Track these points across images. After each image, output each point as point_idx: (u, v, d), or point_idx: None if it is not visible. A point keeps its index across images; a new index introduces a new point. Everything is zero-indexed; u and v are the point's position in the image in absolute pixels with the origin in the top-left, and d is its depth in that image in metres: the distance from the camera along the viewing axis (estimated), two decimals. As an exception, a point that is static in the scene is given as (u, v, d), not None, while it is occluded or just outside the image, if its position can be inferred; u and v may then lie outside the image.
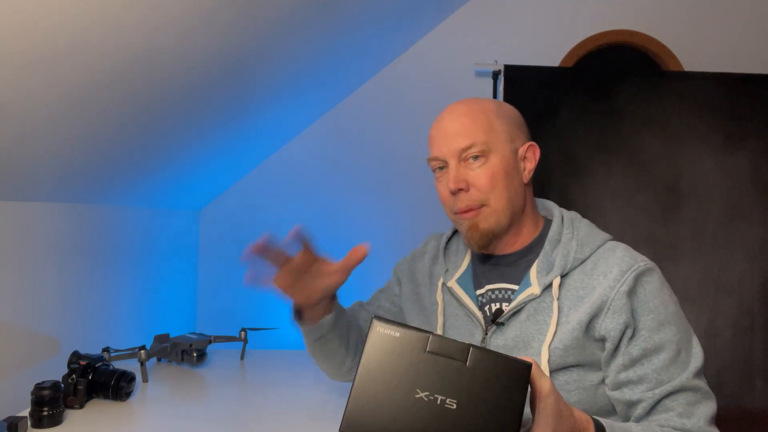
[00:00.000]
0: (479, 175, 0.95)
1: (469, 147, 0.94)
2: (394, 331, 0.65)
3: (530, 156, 1.00)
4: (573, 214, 1.03)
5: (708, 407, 0.90)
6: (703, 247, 2.32)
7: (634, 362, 0.89)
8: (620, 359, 0.89)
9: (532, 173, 1.00)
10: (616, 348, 0.89)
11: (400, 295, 1.17)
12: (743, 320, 2.29)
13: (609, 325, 0.89)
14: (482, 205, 0.96)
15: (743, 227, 2.33)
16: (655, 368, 0.89)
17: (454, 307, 1.04)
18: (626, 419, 0.94)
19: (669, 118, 2.37)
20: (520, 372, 0.62)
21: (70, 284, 1.54)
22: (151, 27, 1.13)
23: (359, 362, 0.66)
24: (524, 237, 1.01)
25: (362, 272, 2.69)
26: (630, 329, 0.89)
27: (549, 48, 2.55)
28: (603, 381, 0.92)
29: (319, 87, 2.27)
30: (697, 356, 0.91)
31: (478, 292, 1.02)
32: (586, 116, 2.38)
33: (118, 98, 1.27)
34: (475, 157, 0.95)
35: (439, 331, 1.03)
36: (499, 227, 0.97)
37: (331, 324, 1.05)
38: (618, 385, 0.91)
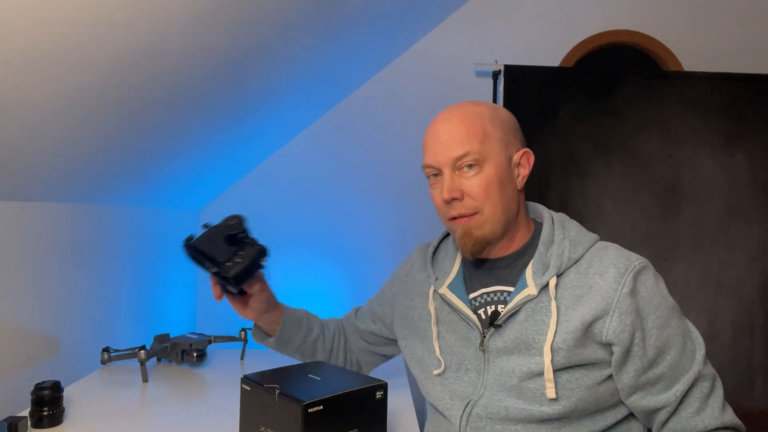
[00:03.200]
0: (473, 184, 0.95)
1: (463, 156, 0.94)
2: (248, 387, 0.96)
3: (524, 162, 1.00)
4: (562, 215, 1.04)
5: (718, 391, 0.94)
6: (703, 247, 2.32)
7: (651, 363, 0.91)
8: (638, 362, 0.90)
9: (525, 179, 1.00)
10: (628, 352, 0.90)
11: (393, 318, 1.20)
12: (743, 320, 2.29)
13: (616, 329, 0.89)
14: (475, 213, 0.96)
15: (743, 227, 2.33)
16: (669, 365, 0.91)
17: (446, 313, 1.05)
18: (648, 422, 0.97)
19: (669, 118, 2.37)
20: (296, 408, 0.85)
21: (70, 284, 1.54)
22: (150, 27, 1.13)
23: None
24: (518, 241, 1.02)
25: (363, 271, 2.68)
26: (639, 331, 0.90)
27: (549, 48, 2.55)
28: (604, 380, 0.93)
29: (319, 87, 2.27)
30: (699, 342, 0.95)
31: (472, 295, 1.03)
32: (586, 116, 2.38)
33: (118, 98, 1.28)
34: (470, 166, 0.95)
35: (434, 342, 1.05)
36: (492, 235, 0.97)
37: (277, 344, 1.23)
38: (635, 389, 0.92)
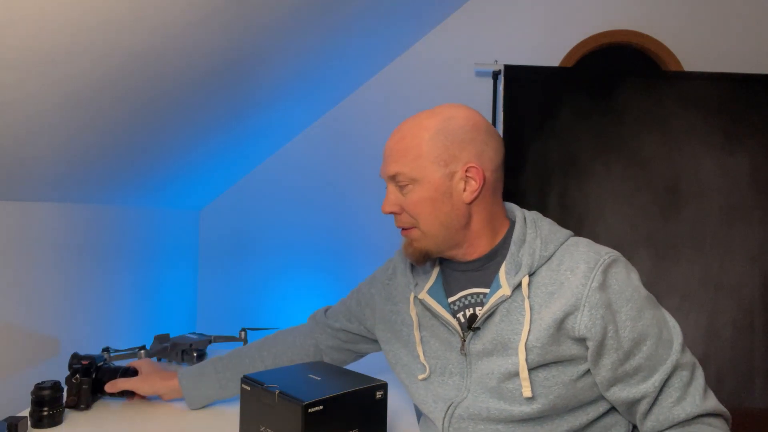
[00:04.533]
0: (407, 201, 0.98)
1: (394, 175, 0.98)
2: (248, 387, 0.96)
3: (474, 175, 0.97)
4: (534, 214, 1.05)
5: (698, 380, 0.94)
6: (703, 247, 2.32)
7: (628, 355, 0.91)
8: (613, 355, 0.91)
9: (477, 192, 0.97)
10: (602, 345, 0.90)
11: (374, 320, 1.18)
12: (743, 320, 2.29)
13: (587, 323, 0.90)
14: (413, 227, 1.00)
15: (743, 227, 2.33)
16: (646, 356, 0.91)
17: (428, 318, 1.05)
18: (630, 415, 0.96)
19: (669, 118, 2.37)
20: (296, 408, 0.86)
21: (70, 284, 1.54)
22: (151, 27, 1.13)
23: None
24: (483, 244, 1.02)
25: (361, 271, 2.69)
26: (611, 324, 0.90)
27: (549, 48, 2.56)
28: (581, 375, 0.93)
29: (319, 87, 2.27)
30: (675, 330, 0.95)
31: (451, 299, 1.03)
32: (586, 116, 2.38)
33: (118, 98, 1.28)
34: (402, 185, 0.98)
35: (418, 347, 1.05)
36: (434, 247, 1.00)
37: (203, 400, 1.22)
38: (614, 381, 0.92)
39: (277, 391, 0.89)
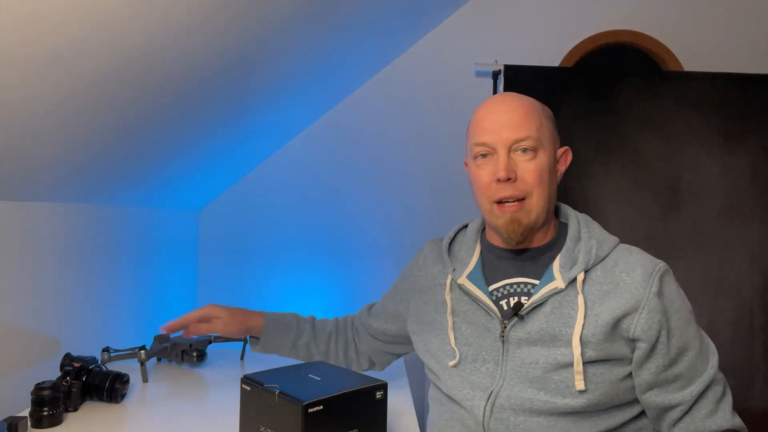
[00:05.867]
0: (527, 168, 0.96)
1: (523, 139, 0.96)
2: (248, 387, 0.97)
3: (563, 160, 1.04)
4: (585, 216, 1.08)
5: (728, 396, 0.98)
6: (703, 247, 2.32)
7: (672, 362, 0.94)
8: (660, 360, 0.93)
9: (561, 176, 1.04)
10: (653, 349, 0.93)
11: (407, 314, 1.19)
12: (743, 320, 2.29)
13: (644, 325, 0.92)
14: (524, 198, 0.97)
15: (743, 227, 2.33)
16: (687, 366, 0.95)
17: (464, 304, 1.04)
18: (658, 422, 0.99)
19: (669, 118, 2.37)
20: (296, 408, 0.86)
21: (70, 284, 1.54)
22: (150, 27, 1.13)
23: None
24: (547, 235, 1.04)
25: (361, 272, 2.68)
26: (664, 330, 0.93)
27: (549, 48, 2.55)
28: (625, 377, 0.95)
29: (319, 87, 2.27)
30: (712, 348, 0.99)
31: (493, 286, 1.03)
32: (586, 116, 2.38)
33: (118, 98, 1.28)
34: (525, 150, 0.96)
35: (450, 332, 1.04)
36: (536, 223, 0.99)
37: (266, 349, 1.31)
38: (653, 385, 0.94)
39: (277, 391, 0.89)
